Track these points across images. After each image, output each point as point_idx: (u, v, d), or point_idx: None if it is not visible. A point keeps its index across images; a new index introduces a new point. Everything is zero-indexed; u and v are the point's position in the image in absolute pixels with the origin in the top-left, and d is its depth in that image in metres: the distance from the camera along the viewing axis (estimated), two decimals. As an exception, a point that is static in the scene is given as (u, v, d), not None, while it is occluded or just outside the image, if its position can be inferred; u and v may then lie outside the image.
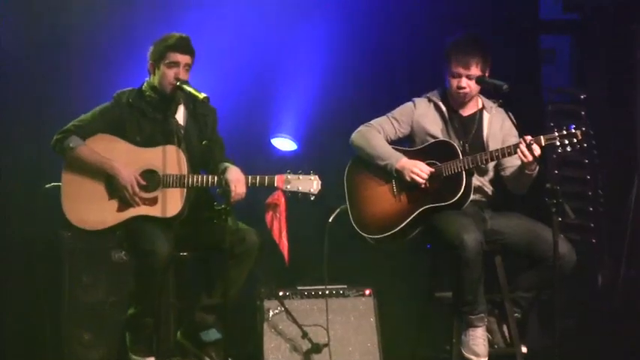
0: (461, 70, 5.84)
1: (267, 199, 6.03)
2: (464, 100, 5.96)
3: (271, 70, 7.70)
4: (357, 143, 6.03)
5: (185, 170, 5.68)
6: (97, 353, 6.57)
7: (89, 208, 5.70)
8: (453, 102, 6.01)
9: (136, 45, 6.00)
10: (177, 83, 5.69)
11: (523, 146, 5.55)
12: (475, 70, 5.82)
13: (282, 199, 6.01)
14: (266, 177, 5.73)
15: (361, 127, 6.06)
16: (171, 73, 5.72)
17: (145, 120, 5.81)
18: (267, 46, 7.69)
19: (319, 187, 5.73)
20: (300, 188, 5.73)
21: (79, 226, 5.71)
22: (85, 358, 6.57)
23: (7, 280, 6.90)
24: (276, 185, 5.74)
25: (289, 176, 5.73)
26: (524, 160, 5.57)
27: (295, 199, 5.80)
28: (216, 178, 5.64)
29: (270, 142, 7.75)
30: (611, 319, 7.02)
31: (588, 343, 6.88)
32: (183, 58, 5.74)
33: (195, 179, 5.67)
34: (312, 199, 5.78)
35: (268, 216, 6.10)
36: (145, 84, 5.87)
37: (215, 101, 5.76)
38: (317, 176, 5.74)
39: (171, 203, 5.67)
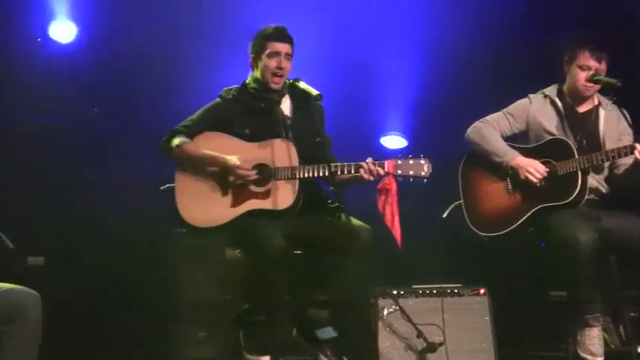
0: (593, 64, 5.79)
1: (378, 185, 6.03)
2: (587, 96, 5.90)
3: (377, 68, 7.72)
4: (472, 139, 6.02)
5: (296, 162, 5.66)
6: (211, 351, 6.63)
7: (203, 206, 5.70)
8: (571, 98, 5.95)
9: (237, 45, 6.05)
10: (291, 80, 5.75)
11: None
12: (604, 66, 5.77)
13: (394, 184, 5.98)
14: (376, 163, 5.68)
15: (477, 123, 6.05)
16: (272, 63, 5.74)
17: (249, 111, 5.81)
18: (372, 47, 7.72)
19: (430, 170, 5.59)
20: (411, 172, 5.61)
21: (192, 224, 5.71)
22: (200, 356, 6.63)
23: (124, 280, 7.04)
24: (386, 171, 5.66)
25: (399, 161, 5.63)
26: None
27: (407, 183, 5.75)
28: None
29: (379, 141, 7.76)
30: None
31: None
32: (283, 47, 5.76)
33: (306, 171, 5.65)
34: (424, 182, 5.69)
35: (380, 201, 6.07)
36: (249, 78, 5.89)
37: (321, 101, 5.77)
38: (427, 159, 5.64)
39: (284, 195, 5.65)
